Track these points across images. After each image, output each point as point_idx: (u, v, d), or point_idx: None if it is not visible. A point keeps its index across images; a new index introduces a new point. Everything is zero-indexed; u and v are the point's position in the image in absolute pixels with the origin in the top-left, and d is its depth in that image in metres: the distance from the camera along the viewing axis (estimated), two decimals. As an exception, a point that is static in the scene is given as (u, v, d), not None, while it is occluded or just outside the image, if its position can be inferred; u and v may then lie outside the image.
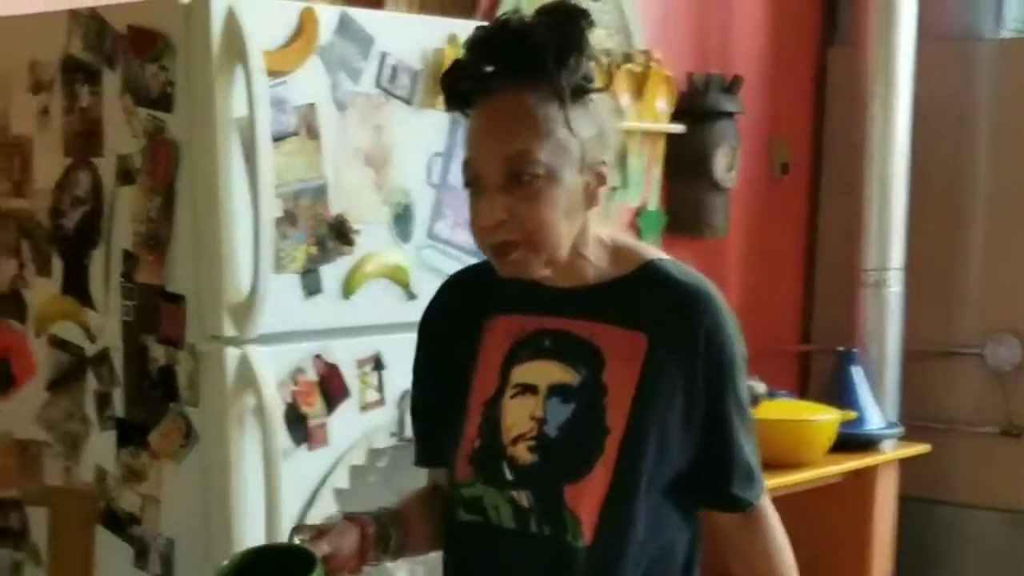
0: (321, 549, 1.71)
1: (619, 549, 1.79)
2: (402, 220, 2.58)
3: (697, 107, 4.27)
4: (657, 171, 4.25)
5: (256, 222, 2.31)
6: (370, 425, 2.54)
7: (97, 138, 2.50)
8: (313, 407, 2.44)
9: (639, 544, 1.80)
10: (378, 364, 2.54)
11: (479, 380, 1.86)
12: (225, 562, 1.71)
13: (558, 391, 1.81)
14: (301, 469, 2.43)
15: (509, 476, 1.81)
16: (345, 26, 2.48)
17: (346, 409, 2.51)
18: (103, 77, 2.47)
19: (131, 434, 2.47)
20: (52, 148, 2.57)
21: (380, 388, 2.54)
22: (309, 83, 2.42)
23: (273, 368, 2.39)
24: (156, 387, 2.42)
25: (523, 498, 1.80)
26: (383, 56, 2.51)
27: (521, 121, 1.72)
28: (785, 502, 2.10)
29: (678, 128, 4.21)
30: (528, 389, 1.82)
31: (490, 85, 1.75)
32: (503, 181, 1.72)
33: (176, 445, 2.39)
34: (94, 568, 2.54)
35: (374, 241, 2.54)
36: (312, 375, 2.44)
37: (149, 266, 2.44)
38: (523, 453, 1.81)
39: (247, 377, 2.35)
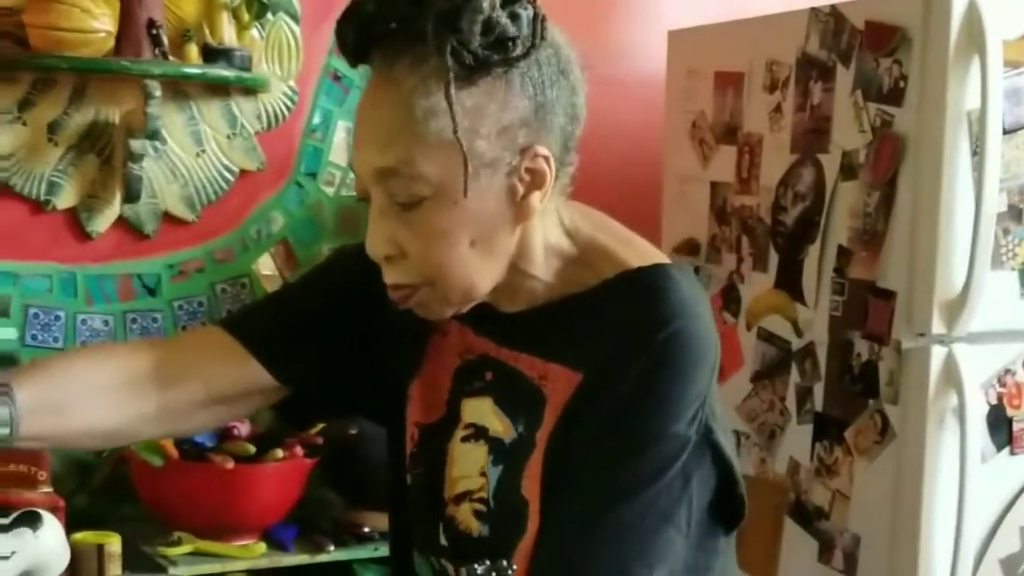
0: None
1: None
2: None
3: None
4: None
5: (977, 217, 2.32)
6: (1081, 435, 2.46)
7: (824, 135, 2.63)
8: (1019, 410, 2.39)
9: None
10: (1097, 369, 2.45)
11: (419, 390, 1.46)
12: None
13: (493, 446, 1.39)
14: (1001, 473, 2.40)
15: (444, 542, 1.42)
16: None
17: (1057, 417, 2.44)
18: (836, 74, 2.60)
19: (827, 428, 2.56)
20: (780, 145, 2.73)
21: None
22: (1048, 72, 2.41)
23: (979, 368, 2.38)
24: (857, 383, 2.50)
25: (461, 575, 1.41)
26: None
27: (392, 118, 1.27)
28: None
29: None
30: (482, 434, 1.41)
31: (379, 43, 1.29)
32: (384, 201, 1.30)
33: (871, 442, 2.45)
34: (779, 558, 2.65)
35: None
36: (1022, 376, 2.41)
37: (862, 261, 2.53)
38: (467, 517, 1.40)
39: (951, 376, 2.35)
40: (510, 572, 1.16)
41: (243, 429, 2.56)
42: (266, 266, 2.98)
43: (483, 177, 1.27)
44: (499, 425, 1.38)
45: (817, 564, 2.55)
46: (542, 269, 1.37)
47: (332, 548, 2.60)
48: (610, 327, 1.32)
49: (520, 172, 1.29)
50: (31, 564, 1.26)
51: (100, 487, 2.79)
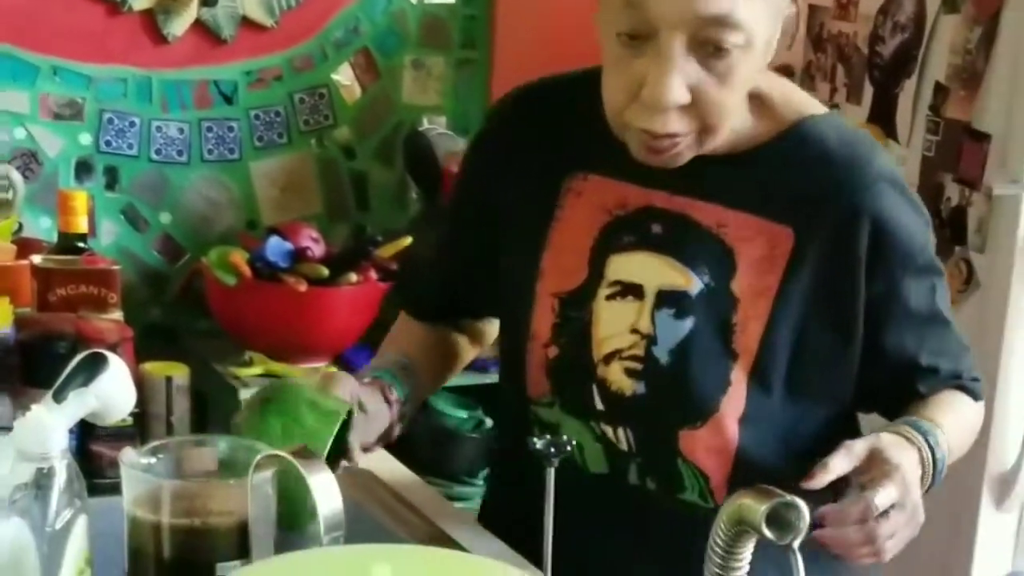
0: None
1: None
2: None
3: None
4: None
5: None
6: None
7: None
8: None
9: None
10: None
11: (552, 260, 1.46)
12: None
13: (671, 299, 1.40)
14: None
15: (600, 405, 1.44)
16: None
17: None
18: None
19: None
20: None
21: None
22: None
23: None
24: (944, 228, 2.49)
25: (620, 437, 1.44)
26: None
27: None
28: None
29: None
30: (631, 290, 1.42)
31: None
32: (686, 47, 1.27)
33: (954, 291, 2.44)
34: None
35: None
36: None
37: (959, 101, 2.49)
38: (619, 377, 1.42)
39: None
40: (569, 448, 1.20)
41: (317, 250, 2.61)
42: (346, 76, 2.99)
43: (772, 22, 1.29)
44: (678, 278, 1.40)
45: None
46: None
47: (404, 375, 2.64)
48: (812, 173, 1.37)
49: (783, 16, 1.31)
50: (95, 409, 1.31)
51: (174, 300, 2.88)
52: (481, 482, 2.72)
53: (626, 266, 1.42)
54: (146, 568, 1.18)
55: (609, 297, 1.42)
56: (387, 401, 1.45)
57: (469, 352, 1.68)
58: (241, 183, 2.93)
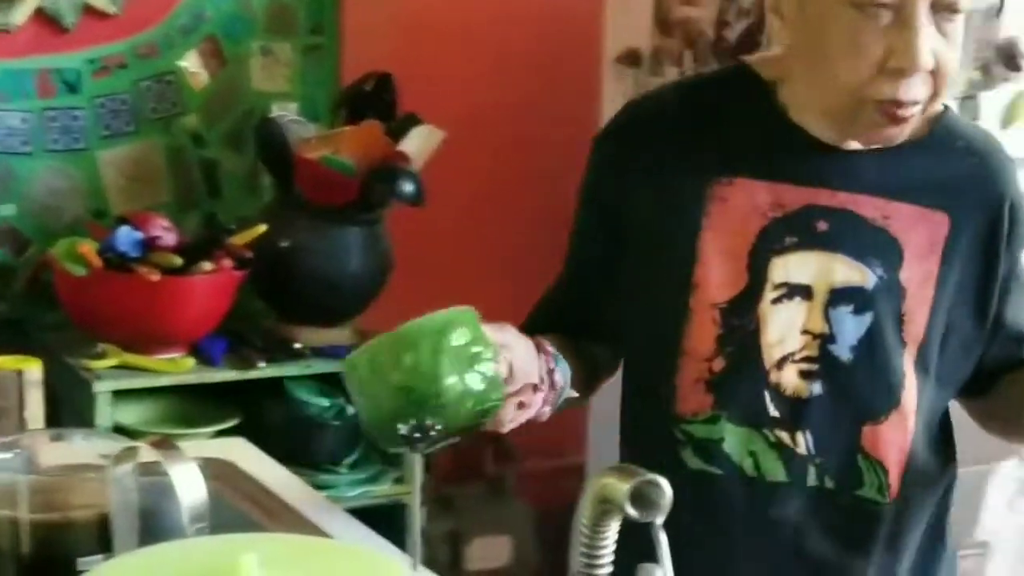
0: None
1: (922, 500, 1.50)
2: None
3: None
4: None
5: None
6: None
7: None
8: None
9: (942, 487, 1.53)
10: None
11: (706, 271, 1.44)
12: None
13: (847, 296, 1.43)
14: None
15: (774, 412, 1.44)
16: None
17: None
18: None
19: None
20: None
21: None
22: None
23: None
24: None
25: (798, 441, 1.44)
26: None
27: None
28: None
29: None
30: (798, 291, 1.43)
31: None
32: (928, 12, 1.33)
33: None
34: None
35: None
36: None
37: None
38: (794, 380, 1.43)
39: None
40: (433, 433, 1.20)
41: (168, 239, 2.57)
42: (193, 63, 2.94)
43: None
44: (852, 273, 1.43)
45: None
46: None
47: (263, 364, 2.58)
48: (959, 163, 1.46)
49: None
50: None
51: (21, 293, 2.81)
52: (345, 470, 2.69)
53: (791, 267, 1.43)
54: (4, 565, 1.16)
55: (775, 300, 1.43)
56: (539, 347, 1.40)
57: (609, 361, 1.63)
58: (88, 173, 2.86)
